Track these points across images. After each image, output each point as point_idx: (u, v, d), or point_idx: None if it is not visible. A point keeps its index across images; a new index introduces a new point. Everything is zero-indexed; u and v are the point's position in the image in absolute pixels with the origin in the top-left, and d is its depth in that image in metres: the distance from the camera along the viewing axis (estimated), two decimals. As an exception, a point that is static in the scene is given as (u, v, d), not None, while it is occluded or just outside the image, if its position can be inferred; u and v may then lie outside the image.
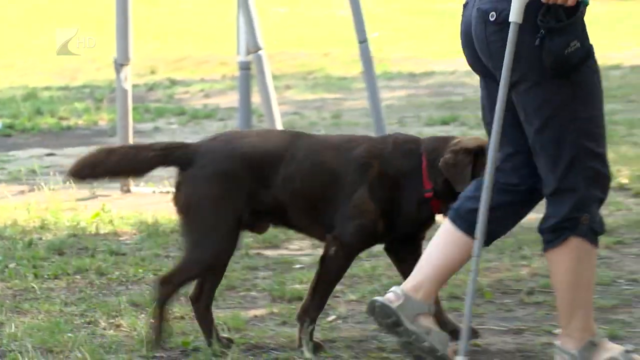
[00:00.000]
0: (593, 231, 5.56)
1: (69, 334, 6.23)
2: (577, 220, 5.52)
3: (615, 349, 5.59)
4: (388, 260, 7.39)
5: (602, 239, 7.66)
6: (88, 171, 6.53)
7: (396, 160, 6.13)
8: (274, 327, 6.36)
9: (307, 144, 6.30)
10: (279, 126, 9.42)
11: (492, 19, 5.52)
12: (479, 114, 11.42)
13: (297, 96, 13.35)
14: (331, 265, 6.06)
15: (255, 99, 10.01)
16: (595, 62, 5.54)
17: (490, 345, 6.01)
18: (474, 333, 6.06)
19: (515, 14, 5.25)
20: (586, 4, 5.48)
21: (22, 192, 9.35)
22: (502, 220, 5.71)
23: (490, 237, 5.67)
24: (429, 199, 5.98)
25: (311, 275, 7.11)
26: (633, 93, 12.40)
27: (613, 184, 8.99)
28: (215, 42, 15.90)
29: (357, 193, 6.09)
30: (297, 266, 7.40)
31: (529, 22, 5.42)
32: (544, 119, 5.51)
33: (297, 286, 6.96)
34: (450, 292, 6.69)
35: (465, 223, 5.62)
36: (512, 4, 5.28)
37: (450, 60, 15.31)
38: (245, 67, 10.28)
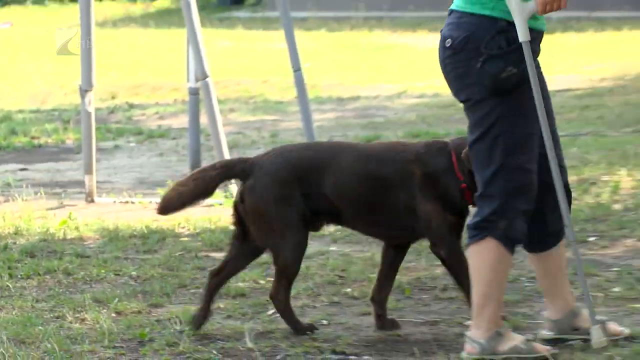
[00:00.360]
0: (509, 238, 5.56)
1: (40, 327, 6.22)
2: (494, 224, 5.55)
3: (518, 338, 5.61)
4: (320, 261, 7.42)
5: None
6: (173, 206, 6.56)
7: (432, 159, 6.10)
8: (220, 320, 6.34)
9: (351, 153, 6.31)
10: (223, 144, 9.41)
11: (447, 45, 5.57)
12: (399, 132, 11.43)
13: (240, 118, 13.33)
14: (458, 268, 5.99)
15: (203, 120, 9.99)
16: (529, 90, 5.52)
17: (409, 336, 6.02)
18: (395, 325, 6.16)
19: (522, 35, 5.34)
20: (538, 30, 5.58)
21: (-4, 203, 9.27)
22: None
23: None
24: (464, 189, 5.94)
25: (253, 274, 7.16)
26: (557, 113, 12.46)
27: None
28: (168, 71, 15.85)
29: (416, 201, 6.09)
30: (240, 267, 7.39)
31: (475, 48, 5.48)
32: (480, 131, 5.55)
33: (240, 284, 6.95)
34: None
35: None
36: (517, 27, 5.35)
37: (373, 87, 15.35)
38: (194, 92, 10.29)
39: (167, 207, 6.56)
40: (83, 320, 6.38)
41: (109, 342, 6.00)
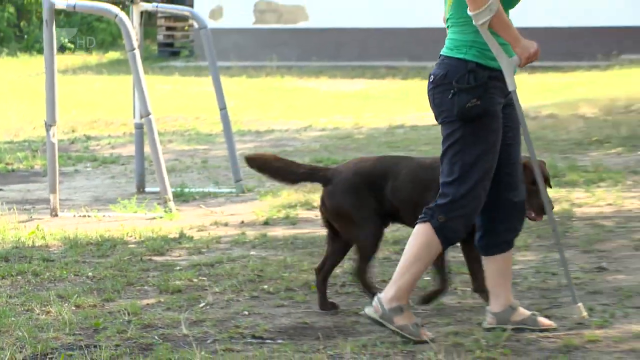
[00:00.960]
0: (442, 232, 5.58)
1: (12, 319, 6.12)
2: (436, 215, 5.57)
3: (411, 319, 5.62)
4: (242, 263, 7.38)
5: (391, 247, 7.73)
6: (259, 165, 6.56)
7: None
8: (161, 311, 6.27)
9: (407, 164, 6.28)
10: (163, 169, 9.34)
11: (430, 80, 5.62)
12: (306, 159, 11.37)
13: (177, 147, 13.24)
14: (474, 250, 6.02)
15: (147, 149, 9.90)
16: (493, 118, 5.56)
17: (315, 323, 5.98)
18: (333, 306, 6.30)
19: (510, 85, 5.48)
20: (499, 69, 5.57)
21: (-23, 217, 9.15)
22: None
23: None
24: None
25: (188, 274, 7.10)
26: (411, 145, 12.43)
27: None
28: (118, 109, 15.75)
29: None
30: (177, 268, 7.32)
31: (449, 83, 5.54)
32: (447, 146, 5.59)
33: (177, 282, 6.88)
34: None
35: None
36: (505, 78, 5.47)
37: (284, 122, 15.33)
38: (139, 127, 10.22)
39: (257, 161, 6.59)
40: (48, 312, 6.29)
41: (70, 330, 5.94)
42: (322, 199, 6.36)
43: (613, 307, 6.05)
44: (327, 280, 6.40)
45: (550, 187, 6.09)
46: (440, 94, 5.58)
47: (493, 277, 5.82)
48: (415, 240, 5.66)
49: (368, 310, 5.65)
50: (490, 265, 5.80)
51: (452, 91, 5.52)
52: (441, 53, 5.68)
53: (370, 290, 6.15)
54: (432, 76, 5.63)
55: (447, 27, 5.75)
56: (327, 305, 6.30)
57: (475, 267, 6.12)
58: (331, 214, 6.30)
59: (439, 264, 6.12)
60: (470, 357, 5.29)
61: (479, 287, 6.11)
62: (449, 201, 5.57)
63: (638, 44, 23.38)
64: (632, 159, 11.22)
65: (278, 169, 6.52)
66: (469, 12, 5.47)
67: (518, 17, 19.14)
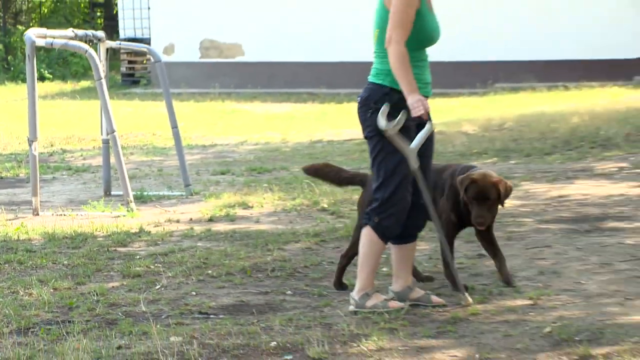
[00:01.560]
0: (379, 230, 5.57)
1: (0, 299, 6.08)
2: (372, 217, 5.59)
3: (379, 298, 5.66)
4: (191, 252, 7.34)
5: (312, 238, 7.71)
6: (313, 172, 6.58)
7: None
8: (124, 292, 6.22)
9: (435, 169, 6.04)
10: (126, 176, 9.29)
11: (358, 101, 5.67)
12: (242, 167, 11.32)
13: (137, 159, 13.13)
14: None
15: (112, 160, 9.82)
16: (405, 131, 5.50)
17: (250, 301, 5.95)
18: (342, 286, 6.16)
19: (382, 125, 5.44)
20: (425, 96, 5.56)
21: (-28, 216, 9.04)
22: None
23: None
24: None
25: (146, 262, 7.05)
26: (328, 156, 12.44)
27: (318, 207, 9.04)
28: (88, 128, 15.60)
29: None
30: (137, 257, 7.26)
31: (369, 104, 5.55)
32: (372, 157, 5.60)
33: (137, 268, 6.83)
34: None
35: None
36: (407, 158, 5.47)
37: (225, 138, 15.28)
38: (106, 142, 10.16)
39: (309, 171, 6.62)
40: (30, 294, 6.24)
41: (48, 308, 5.91)
42: (360, 198, 6.26)
43: (490, 287, 6.10)
44: (346, 267, 6.24)
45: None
46: (364, 113, 5.60)
47: (398, 262, 5.84)
48: (362, 241, 5.69)
49: (349, 309, 5.68)
50: (397, 252, 5.82)
51: (371, 111, 5.54)
52: (368, 79, 5.67)
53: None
54: (359, 98, 5.65)
55: (374, 57, 5.71)
56: (341, 286, 6.20)
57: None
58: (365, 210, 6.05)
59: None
60: (376, 328, 5.30)
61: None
62: (379, 204, 5.58)
63: (508, 75, 23.61)
64: (504, 167, 11.30)
65: (328, 173, 6.48)
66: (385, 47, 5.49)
67: (413, 53, 18.57)
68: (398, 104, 5.49)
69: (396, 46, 5.45)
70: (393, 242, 5.78)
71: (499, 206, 5.96)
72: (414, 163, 5.47)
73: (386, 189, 5.55)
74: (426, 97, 5.62)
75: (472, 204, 5.84)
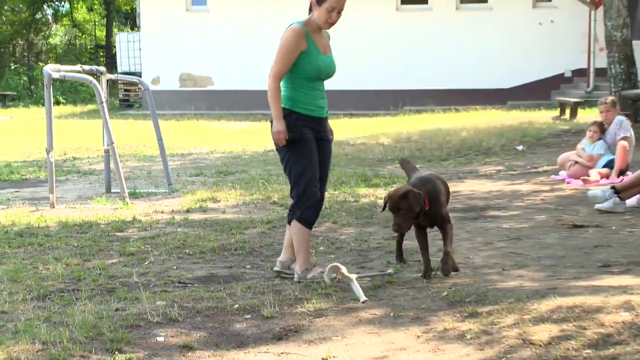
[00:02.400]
0: (302, 220, 5.51)
1: (24, 273, 5.97)
2: (295, 212, 5.53)
3: (317, 271, 5.59)
4: (172, 236, 7.25)
5: (265, 225, 7.66)
6: (403, 164, 6.29)
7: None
8: (121, 267, 6.13)
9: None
10: (123, 179, 9.20)
11: (270, 119, 5.54)
12: (212, 170, 11.20)
13: (131, 164, 12.98)
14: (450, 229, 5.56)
15: (112, 165, 9.72)
16: (305, 142, 5.42)
17: (217, 273, 5.90)
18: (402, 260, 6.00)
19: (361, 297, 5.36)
20: (317, 117, 5.51)
21: (2, 209, 8.89)
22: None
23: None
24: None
25: (138, 243, 6.95)
26: (278, 162, 12.36)
27: (270, 200, 9.00)
28: (94, 140, 15.39)
29: None
30: (131, 239, 7.18)
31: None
32: (283, 165, 5.54)
33: (131, 248, 6.75)
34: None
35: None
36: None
37: (199, 148, 15.17)
38: (107, 151, 10.05)
39: (402, 163, 6.39)
40: (48, 269, 6.13)
41: (62, 280, 5.81)
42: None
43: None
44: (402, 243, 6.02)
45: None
46: (273, 130, 5.46)
47: (294, 240, 5.67)
48: (293, 231, 5.60)
49: (294, 279, 5.61)
50: (292, 228, 5.64)
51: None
52: None
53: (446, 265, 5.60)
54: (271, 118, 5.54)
55: None
56: (400, 258, 6.02)
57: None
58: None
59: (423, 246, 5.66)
60: (315, 293, 5.27)
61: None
62: (296, 201, 5.53)
63: (413, 100, 23.77)
64: (411, 170, 11.37)
65: (407, 167, 6.21)
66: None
67: (343, 83, 19.27)
68: (296, 122, 5.43)
69: (270, 80, 5.43)
70: (288, 222, 5.67)
71: (416, 211, 5.43)
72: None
73: (299, 187, 5.48)
74: (321, 117, 5.57)
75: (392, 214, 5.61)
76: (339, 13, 5.40)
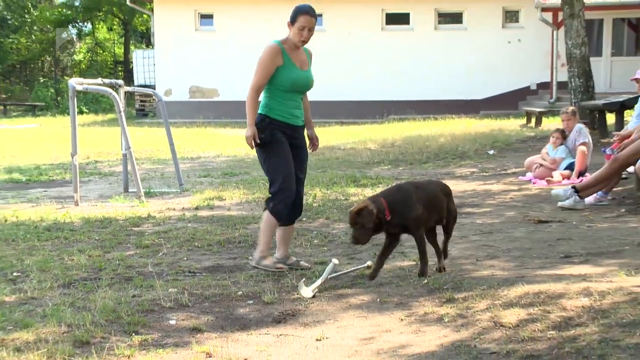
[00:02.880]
0: (274, 213, 5.47)
1: (51, 263, 5.94)
2: (269, 204, 5.48)
3: (271, 260, 5.56)
4: (182, 230, 7.23)
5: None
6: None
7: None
8: (137, 258, 6.09)
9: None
10: (139, 179, 9.19)
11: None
12: (219, 172, 11.15)
13: (146, 167, 12.96)
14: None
15: (129, 167, 9.70)
16: (278, 143, 5.38)
17: (224, 264, 5.87)
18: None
19: (305, 294, 5.27)
20: (294, 125, 5.46)
21: (32, 206, 8.87)
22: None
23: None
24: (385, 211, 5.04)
25: (152, 237, 6.92)
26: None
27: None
28: (113, 145, 15.39)
29: None
30: (146, 234, 7.14)
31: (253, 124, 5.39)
32: (261, 163, 5.50)
33: (146, 241, 6.71)
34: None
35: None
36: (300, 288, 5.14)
37: (207, 152, 15.15)
38: (124, 155, 10.01)
39: None
40: (72, 259, 6.09)
41: (85, 269, 5.78)
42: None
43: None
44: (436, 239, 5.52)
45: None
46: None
47: (280, 238, 5.68)
48: (263, 220, 5.56)
49: (251, 264, 5.61)
50: (282, 231, 5.65)
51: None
52: None
53: (424, 266, 5.29)
54: None
55: None
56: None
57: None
58: None
59: (434, 243, 5.43)
60: (281, 282, 5.26)
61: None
62: (272, 195, 5.48)
63: (397, 110, 23.79)
64: (395, 172, 11.35)
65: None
66: None
67: (335, 94, 19.23)
68: (269, 125, 5.40)
69: (250, 91, 5.41)
70: (281, 224, 5.61)
71: (369, 227, 5.03)
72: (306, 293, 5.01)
73: (275, 184, 5.44)
74: (295, 124, 5.52)
75: None
76: (310, 31, 5.41)
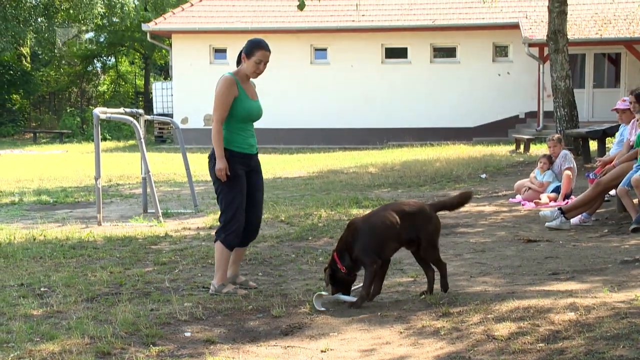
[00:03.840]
0: (225, 242, 5.35)
1: (76, 279, 5.92)
2: (219, 235, 5.37)
3: (231, 287, 5.42)
4: (197, 249, 7.19)
5: (274, 239, 7.58)
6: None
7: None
8: (155, 274, 6.05)
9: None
10: (157, 201, 9.18)
11: (209, 155, 5.39)
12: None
13: (164, 189, 12.92)
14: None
15: (148, 190, 9.68)
16: (235, 177, 5.25)
17: (213, 279, 5.87)
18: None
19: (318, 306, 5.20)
20: (249, 154, 5.35)
21: (59, 226, 8.85)
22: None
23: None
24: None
25: (169, 254, 6.90)
26: (285, 187, 12.32)
27: (278, 219, 8.94)
28: (134, 169, 15.38)
29: None
30: (164, 251, 7.11)
31: (212, 158, 5.30)
32: (217, 193, 5.39)
33: (163, 259, 6.68)
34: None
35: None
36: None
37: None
38: (144, 179, 10.00)
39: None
40: (95, 276, 6.07)
41: (106, 285, 5.76)
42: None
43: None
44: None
45: None
46: (209, 165, 5.37)
47: (235, 259, 5.57)
48: (216, 250, 5.43)
49: (210, 291, 5.41)
50: (236, 253, 5.54)
51: (212, 163, 5.35)
52: None
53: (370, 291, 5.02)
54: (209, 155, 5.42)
55: None
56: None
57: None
58: None
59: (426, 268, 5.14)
60: (289, 297, 5.23)
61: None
62: (223, 225, 5.37)
63: (396, 137, 23.81)
64: (395, 194, 11.33)
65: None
66: None
67: (338, 122, 19.22)
68: (230, 159, 5.27)
69: (214, 124, 5.30)
70: (237, 245, 5.48)
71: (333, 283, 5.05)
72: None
73: (227, 214, 5.32)
74: (250, 153, 5.41)
75: None
76: (265, 64, 5.35)
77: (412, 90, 24.24)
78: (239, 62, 5.41)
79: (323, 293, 5.03)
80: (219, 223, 5.44)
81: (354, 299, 4.99)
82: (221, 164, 5.26)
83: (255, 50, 5.33)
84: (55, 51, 37.21)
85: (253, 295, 5.34)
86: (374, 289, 5.05)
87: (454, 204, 5.30)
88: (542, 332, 4.05)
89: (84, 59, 39.66)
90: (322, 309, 4.88)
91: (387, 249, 4.98)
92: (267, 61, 5.36)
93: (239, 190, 5.32)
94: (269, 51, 5.37)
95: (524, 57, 22.96)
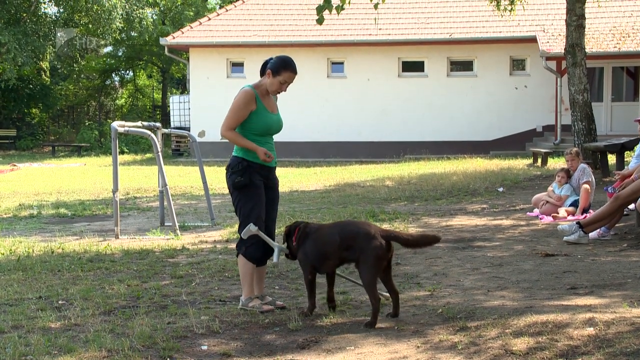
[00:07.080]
0: (247, 255, 5.31)
1: (93, 292, 5.95)
2: (240, 248, 5.33)
3: (257, 301, 5.36)
4: (214, 262, 7.20)
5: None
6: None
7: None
8: (172, 287, 6.07)
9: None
10: (174, 214, 9.22)
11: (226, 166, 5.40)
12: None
13: (181, 202, 13.00)
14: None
15: (165, 203, 9.73)
16: (253, 187, 5.21)
17: (230, 292, 5.87)
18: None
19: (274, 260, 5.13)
20: (270, 166, 5.32)
21: (77, 239, 8.92)
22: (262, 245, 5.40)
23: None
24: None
25: (186, 267, 6.92)
26: (302, 201, 12.33)
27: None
28: (151, 182, 15.46)
29: None
30: (180, 264, 7.15)
31: (230, 168, 5.30)
32: (234, 204, 5.33)
33: (180, 272, 6.70)
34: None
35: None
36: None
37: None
38: (161, 192, 10.06)
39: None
40: (112, 289, 6.10)
41: (124, 298, 5.79)
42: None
43: (402, 285, 6.02)
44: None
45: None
46: (228, 175, 5.34)
47: (259, 277, 5.45)
48: (239, 265, 5.39)
49: (239, 306, 5.37)
50: (257, 271, 5.43)
51: (229, 173, 5.32)
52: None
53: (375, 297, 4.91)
54: (227, 165, 5.40)
55: None
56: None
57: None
58: None
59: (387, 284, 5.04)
60: (332, 310, 5.21)
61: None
62: (242, 238, 5.31)
63: (413, 150, 23.78)
64: (411, 207, 11.30)
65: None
66: None
67: (355, 136, 19.25)
68: (247, 169, 5.24)
69: (227, 131, 5.26)
70: (257, 265, 5.39)
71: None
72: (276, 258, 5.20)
73: (242, 226, 5.26)
74: (270, 166, 5.35)
75: None
76: (288, 85, 5.32)
77: (429, 103, 24.23)
78: (262, 72, 5.36)
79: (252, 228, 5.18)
80: (238, 235, 5.41)
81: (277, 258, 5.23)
82: (258, 149, 5.21)
83: (283, 71, 5.26)
84: (74, 66, 37.58)
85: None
86: (310, 302, 5.15)
87: (410, 241, 4.97)
88: (561, 347, 4.02)
89: (102, 73, 40.05)
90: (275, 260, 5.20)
91: (324, 265, 5.08)
92: (292, 82, 5.33)
93: (258, 201, 5.26)
94: (296, 73, 5.32)
95: (541, 71, 22.90)
